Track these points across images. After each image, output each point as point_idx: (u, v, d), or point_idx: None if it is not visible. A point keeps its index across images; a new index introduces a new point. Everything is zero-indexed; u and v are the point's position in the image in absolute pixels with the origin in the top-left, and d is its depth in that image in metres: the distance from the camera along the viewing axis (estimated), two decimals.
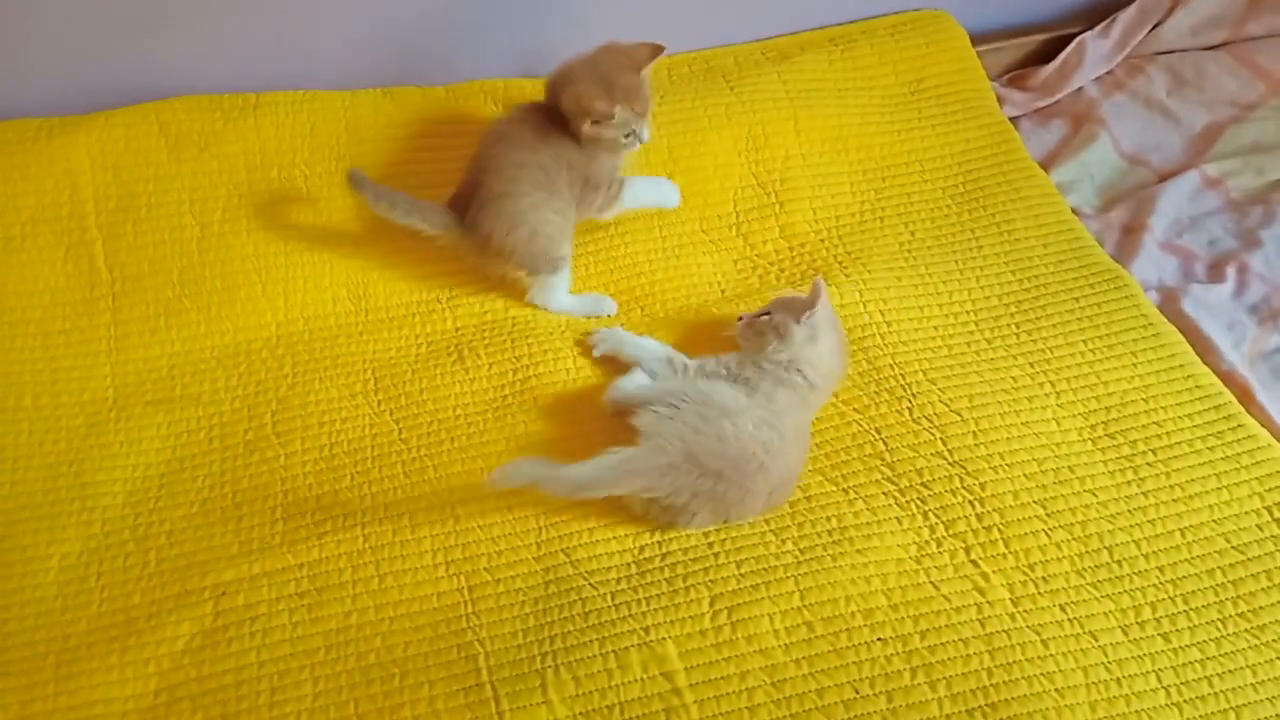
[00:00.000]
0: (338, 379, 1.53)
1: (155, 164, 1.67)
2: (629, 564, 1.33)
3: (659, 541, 1.34)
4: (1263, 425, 1.47)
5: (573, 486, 1.29)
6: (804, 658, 1.24)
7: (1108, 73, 2.01)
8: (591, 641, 1.25)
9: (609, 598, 1.29)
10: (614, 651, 1.24)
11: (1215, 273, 1.72)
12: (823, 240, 1.71)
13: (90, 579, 1.33)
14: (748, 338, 1.47)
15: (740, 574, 1.31)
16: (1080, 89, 2.00)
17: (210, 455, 1.45)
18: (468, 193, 1.56)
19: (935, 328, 1.58)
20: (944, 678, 1.22)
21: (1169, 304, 1.65)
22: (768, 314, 1.46)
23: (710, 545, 1.34)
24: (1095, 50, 1.99)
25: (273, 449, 1.45)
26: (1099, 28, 2.02)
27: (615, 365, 1.52)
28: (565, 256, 1.60)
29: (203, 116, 1.71)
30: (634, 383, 1.46)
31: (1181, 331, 1.58)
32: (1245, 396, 1.52)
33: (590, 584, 1.31)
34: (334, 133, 1.73)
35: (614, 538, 1.35)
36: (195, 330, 1.57)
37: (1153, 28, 2.01)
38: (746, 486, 1.33)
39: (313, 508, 1.39)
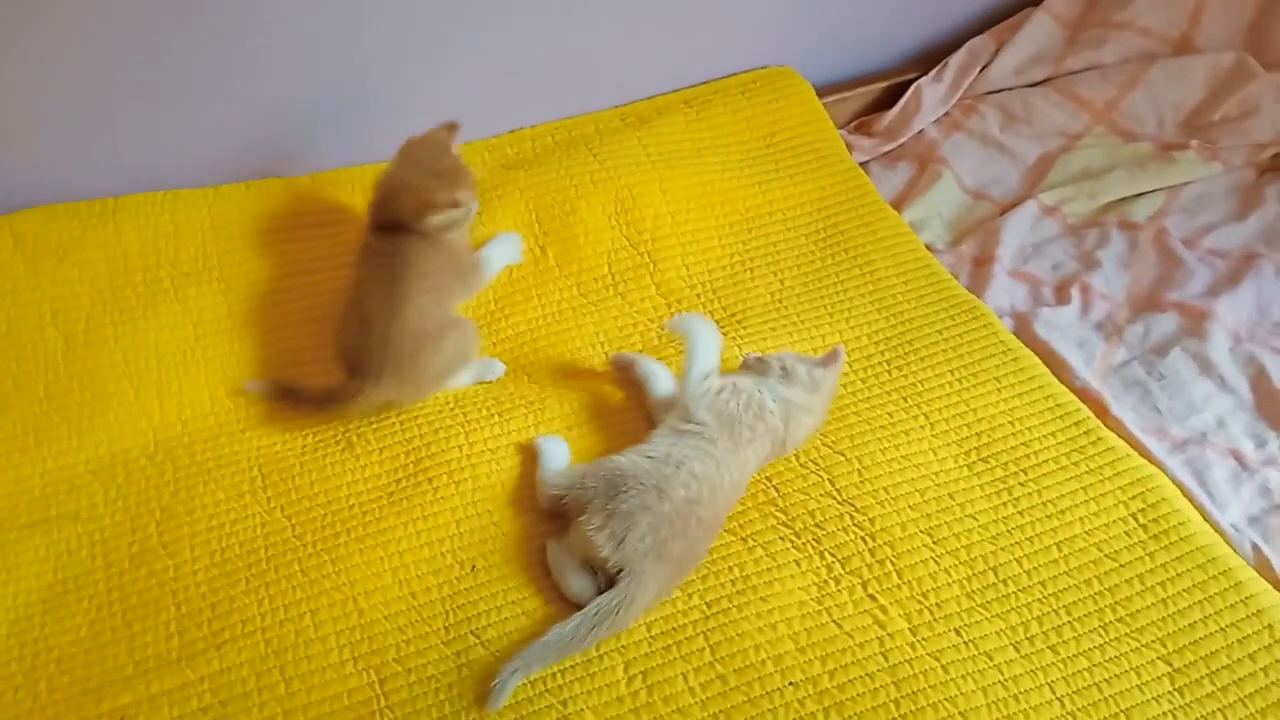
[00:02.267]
0: (223, 480, 1.49)
1: (12, 277, 1.62)
2: (539, 636, 1.33)
3: (567, 611, 1.34)
4: (1120, 436, 1.57)
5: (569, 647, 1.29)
6: (720, 711, 1.26)
7: (945, 114, 2.13)
8: None
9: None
10: None
11: (1061, 295, 1.83)
12: (698, 295, 1.76)
13: None
14: (752, 366, 1.53)
15: (651, 635, 1.33)
16: (921, 131, 2.11)
17: (94, 574, 1.39)
18: (358, 337, 1.53)
19: None
20: (855, 714, 1.26)
21: (1023, 328, 1.75)
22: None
23: None
24: (931, 94, 2.11)
25: (160, 560, 1.41)
26: (933, 73, 2.14)
27: (509, 438, 1.54)
28: (477, 338, 1.62)
29: (59, 225, 1.67)
30: (558, 463, 1.47)
31: (1037, 353, 1.68)
32: (1101, 410, 1.62)
33: (503, 661, 1.30)
34: (198, 230, 1.71)
35: (523, 613, 1.35)
36: (67, 445, 1.51)
37: (981, 69, 2.14)
38: (696, 547, 1.38)
39: (209, 617, 1.35)
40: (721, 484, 1.39)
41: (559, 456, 1.48)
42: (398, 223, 1.56)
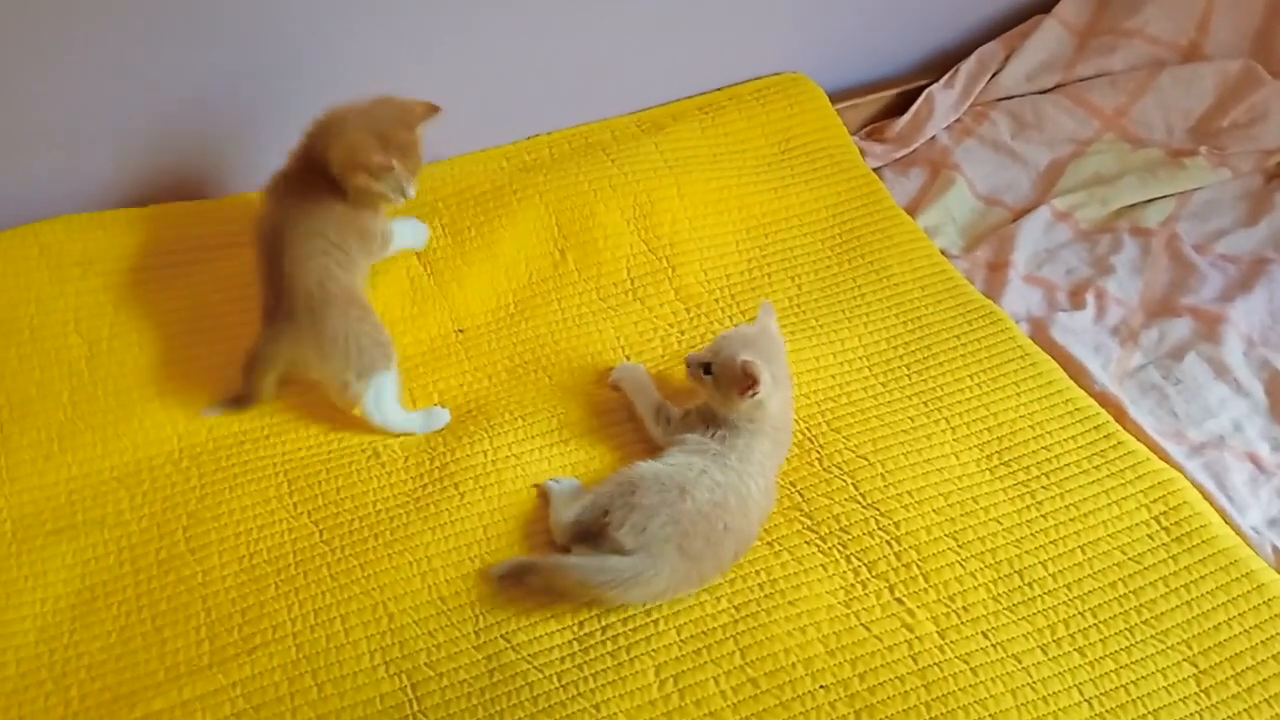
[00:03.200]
0: (249, 486, 1.49)
1: (36, 285, 1.62)
2: (571, 641, 1.34)
3: (598, 615, 1.36)
4: (1139, 440, 1.59)
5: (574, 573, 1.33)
6: (752, 714, 1.27)
7: (956, 121, 2.14)
8: None
9: (555, 678, 1.30)
10: None
11: (1076, 300, 1.84)
12: (716, 300, 1.77)
13: None
14: (699, 379, 1.47)
15: (681, 640, 1.33)
16: (933, 138, 2.13)
17: (123, 580, 1.40)
18: (271, 304, 1.52)
19: (833, 377, 1.65)
20: (886, 717, 1.27)
21: (1039, 333, 1.76)
22: (707, 364, 1.46)
23: (649, 613, 1.36)
24: (943, 101, 2.13)
25: (189, 566, 1.41)
26: (944, 79, 2.15)
27: (533, 442, 1.54)
28: (388, 341, 1.55)
29: (84, 234, 1.67)
30: (568, 495, 1.46)
31: (1054, 358, 1.69)
32: (1119, 414, 1.63)
33: (535, 666, 1.31)
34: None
35: (553, 616, 1.36)
36: (92, 452, 1.51)
37: (992, 76, 2.16)
38: (720, 552, 1.37)
39: (239, 622, 1.35)
40: (749, 492, 1.40)
41: (569, 492, 1.46)
42: (323, 166, 1.50)
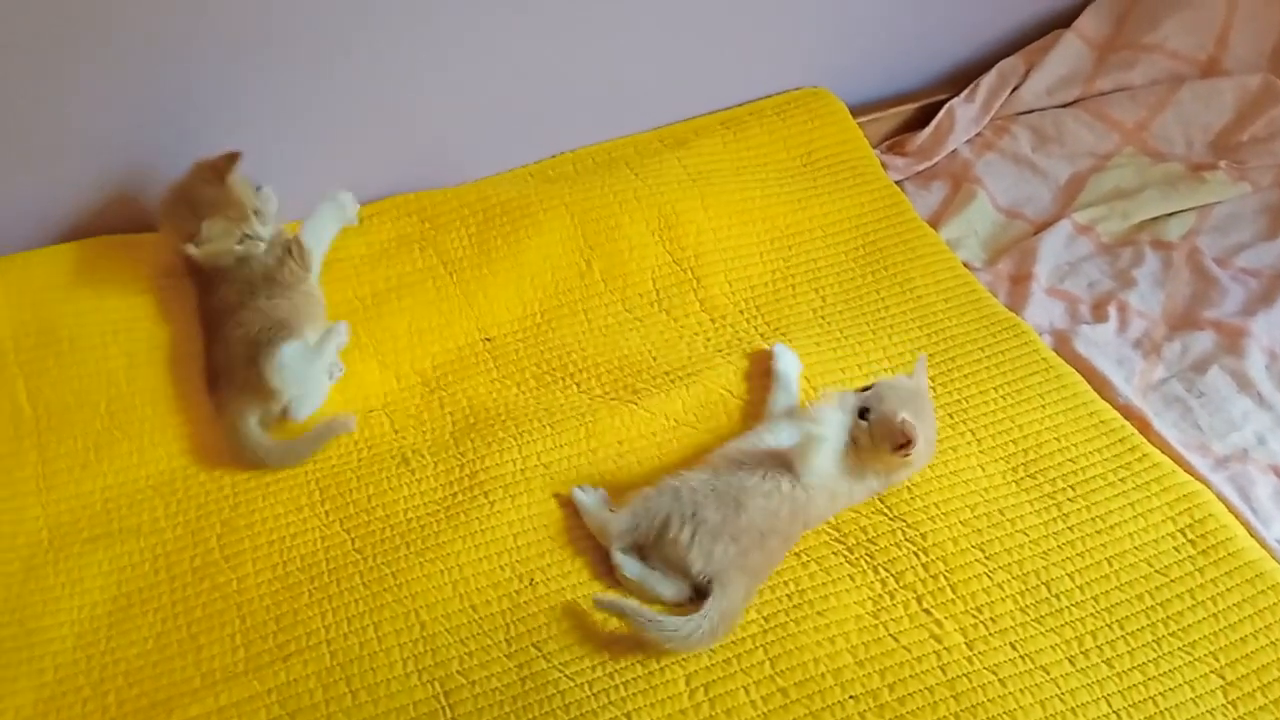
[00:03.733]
0: (281, 495, 1.51)
1: (76, 299, 1.64)
2: (600, 649, 1.35)
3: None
4: (1163, 452, 1.59)
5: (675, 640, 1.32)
6: None
7: (977, 134, 2.16)
8: None
9: (586, 687, 1.31)
10: None
11: (1099, 313, 1.85)
12: (741, 311, 1.79)
13: None
14: (855, 423, 1.46)
15: (711, 649, 1.34)
16: (954, 151, 2.14)
17: (159, 587, 1.41)
18: (212, 367, 1.58)
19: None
20: None
21: (1063, 346, 1.77)
22: (867, 410, 1.45)
23: None
24: (963, 114, 2.14)
25: (223, 573, 1.42)
26: (964, 93, 2.17)
27: (561, 450, 1.56)
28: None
29: (124, 253, 1.69)
30: (600, 503, 1.47)
31: (1078, 371, 1.70)
32: (1143, 427, 1.64)
33: (565, 675, 1.32)
34: None
35: (582, 625, 1.37)
36: (128, 461, 1.53)
37: (1012, 90, 2.18)
38: (774, 562, 1.41)
39: (273, 629, 1.37)
40: (801, 504, 1.41)
41: (599, 502, 1.47)
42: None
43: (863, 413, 1.46)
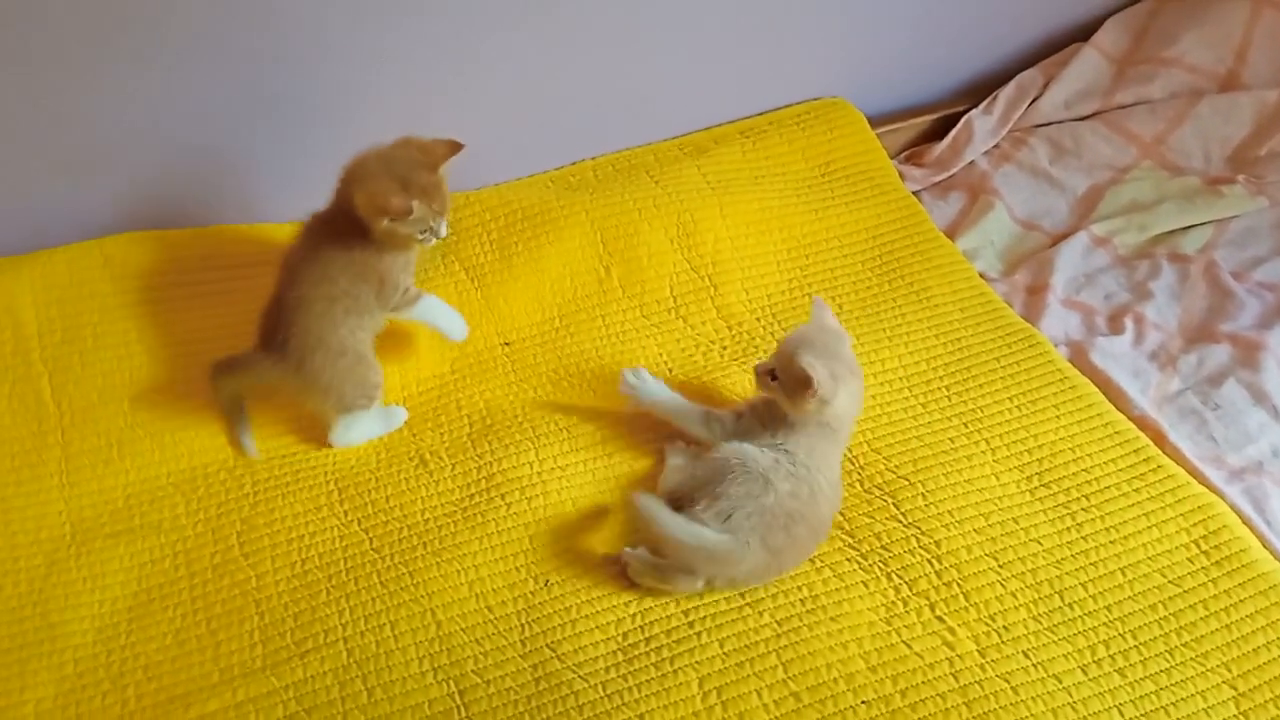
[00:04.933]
0: (300, 494, 1.53)
1: (100, 296, 1.66)
2: (615, 651, 1.36)
3: (641, 626, 1.38)
4: (1178, 464, 1.59)
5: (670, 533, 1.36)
6: None
7: (995, 146, 2.16)
8: None
9: (600, 688, 1.32)
10: None
11: (1115, 325, 1.85)
12: (758, 319, 1.80)
13: None
14: (768, 387, 1.48)
15: (724, 652, 1.35)
16: (972, 162, 2.14)
17: (179, 583, 1.43)
18: (275, 328, 1.54)
19: (873, 397, 1.67)
20: None
21: (1078, 357, 1.77)
22: (772, 370, 1.47)
23: (691, 624, 1.38)
24: (982, 126, 2.15)
25: (243, 571, 1.44)
26: (983, 105, 2.18)
27: (579, 454, 1.57)
28: (379, 385, 1.59)
29: (148, 250, 1.71)
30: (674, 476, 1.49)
31: (1093, 382, 1.70)
32: (1158, 438, 1.64)
33: (580, 675, 1.33)
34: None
35: (597, 627, 1.38)
36: (150, 458, 1.55)
37: (1031, 103, 2.18)
38: (798, 544, 1.42)
39: (291, 627, 1.38)
40: (819, 486, 1.42)
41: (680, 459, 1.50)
42: (350, 211, 1.50)
43: (772, 374, 1.47)
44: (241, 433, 1.58)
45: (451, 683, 1.33)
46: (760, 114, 2.10)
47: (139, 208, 1.74)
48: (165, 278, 1.70)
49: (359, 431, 1.60)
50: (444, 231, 1.55)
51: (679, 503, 1.42)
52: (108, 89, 1.61)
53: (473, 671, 1.34)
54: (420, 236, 1.52)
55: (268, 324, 1.55)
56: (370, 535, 1.48)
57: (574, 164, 2.00)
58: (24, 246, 1.69)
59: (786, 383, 1.45)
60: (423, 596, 1.40)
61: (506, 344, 1.75)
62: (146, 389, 1.61)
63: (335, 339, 1.53)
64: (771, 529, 1.38)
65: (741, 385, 1.67)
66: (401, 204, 1.46)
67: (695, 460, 1.48)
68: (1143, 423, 1.66)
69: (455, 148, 1.51)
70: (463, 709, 1.30)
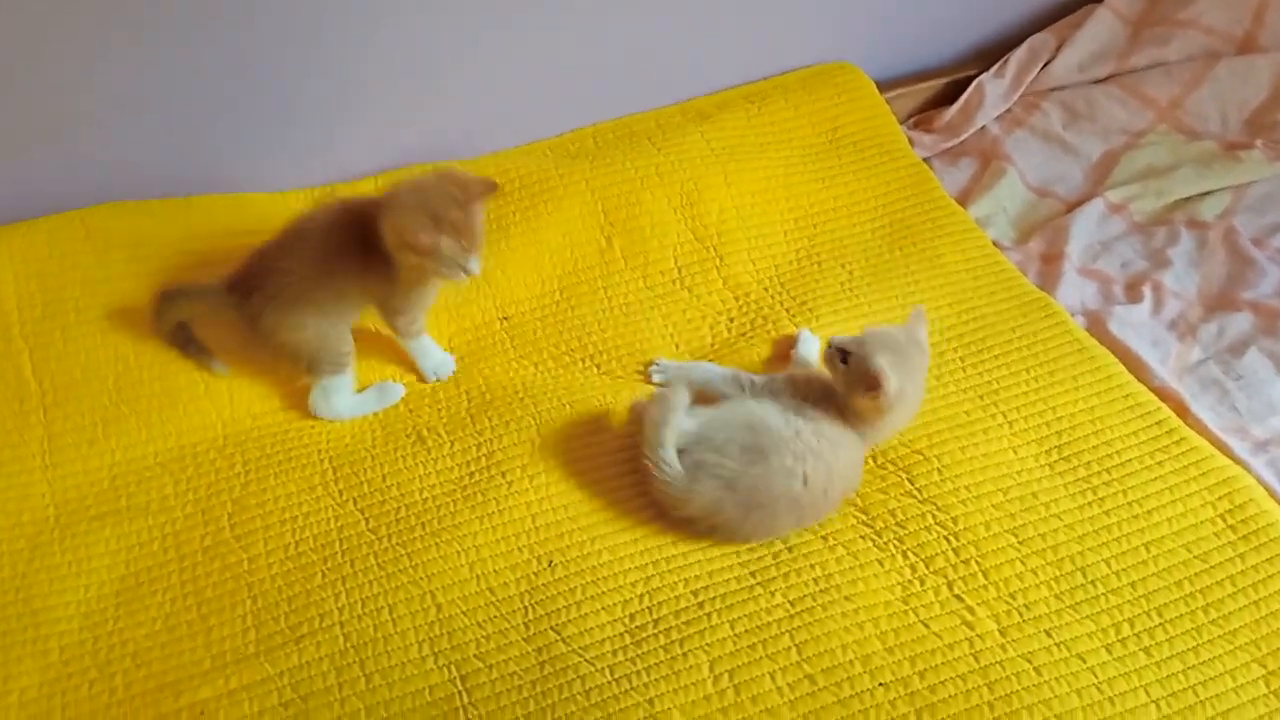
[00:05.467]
0: (294, 473, 1.48)
1: (83, 268, 1.61)
2: (622, 633, 1.31)
3: (649, 607, 1.33)
4: (1201, 435, 1.54)
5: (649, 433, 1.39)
6: (810, 712, 1.24)
7: (1007, 111, 2.11)
8: None
9: (607, 671, 1.27)
10: None
11: (1133, 293, 1.80)
12: (765, 289, 1.74)
13: (54, 712, 1.25)
14: (834, 365, 1.43)
15: (735, 634, 1.30)
16: (983, 128, 2.09)
17: (168, 566, 1.38)
18: (253, 278, 1.50)
19: None
20: (948, 716, 1.24)
21: (1096, 326, 1.72)
22: (846, 352, 1.42)
23: (701, 605, 1.33)
24: (993, 90, 2.09)
25: (234, 553, 1.39)
26: (994, 68, 2.12)
27: (593, 427, 1.52)
28: (348, 354, 1.54)
29: (131, 220, 1.66)
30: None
31: (1112, 352, 1.65)
32: (1180, 410, 1.59)
33: (586, 659, 1.28)
34: (266, 234, 1.62)
35: (603, 608, 1.33)
36: (136, 437, 1.50)
37: (1043, 66, 2.12)
38: (774, 517, 1.38)
39: (285, 611, 1.33)
40: (830, 467, 1.38)
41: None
42: (375, 232, 1.44)
43: (844, 356, 1.42)
44: (201, 355, 1.54)
45: (453, 667, 1.28)
46: (765, 78, 2.04)
47: (121, 178, 1.68)
48: (149, 249, 1.65)
49: (343, 403, 1.54)
50: (476, 269, 1.47)
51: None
52: (88, 57, 1.55)
53: (474, 656, 1.29)
54: (447, 273, 1.45)
55: (246, 271, 1.51)
56: (367, 515, 1.43)
57: (573, 131, 1.95)
58: (2, 218, 1.63)
59: (854, 371, 1.40)
60: (422, 579, 1.35)
61: (505, 318, 1.69)
62: (131, 365, 1.55)
63: (304, 322, 1.49)
64: (736, 489, 1.36)
65: (749, 359, 1.62)
66: (429, 241, 1.40)
67: (717, 406, 1.46)
68: (1164, 394, 1.61)
69: (491, 187, 1.46)
70: (464, 694, 1.26)
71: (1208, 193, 1.96)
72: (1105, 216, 1.93)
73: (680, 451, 1.39)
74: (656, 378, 1.59)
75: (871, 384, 1.37)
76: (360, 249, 1.46)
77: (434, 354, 1.61)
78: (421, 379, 1.60)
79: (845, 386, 1.41)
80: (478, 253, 1.46)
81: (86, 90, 1.59)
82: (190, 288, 1.53)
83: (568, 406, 1.55)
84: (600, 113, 1.95)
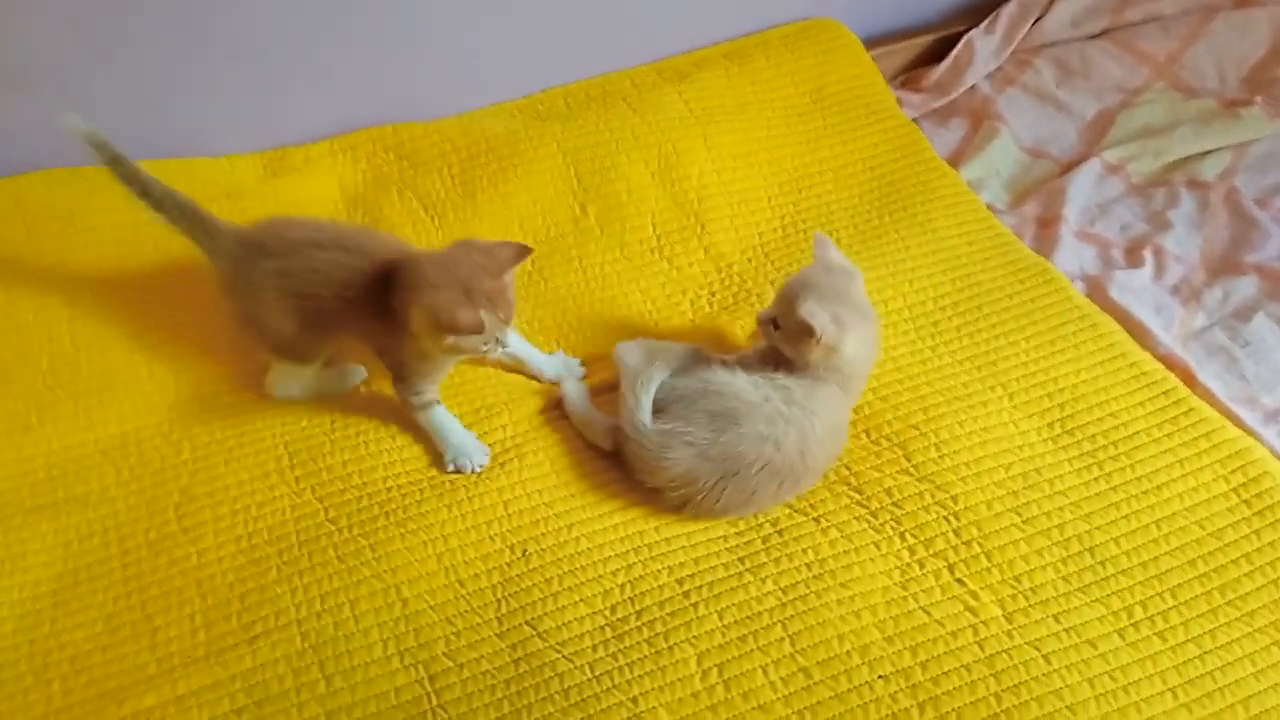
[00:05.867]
0: (246, 460, 1.38)
1: (13, 243, 1.50)
2: (603, 627, 1.23)
3: (631, 598, 1.25)
4: (1210, 405, 1.47)
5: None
6: (806, 707, 1.16)
7: (998, 69, 2.02)
8: None
9: (587, 669, 1.19)
10: None
11: (1133, 257, 1.73)
12: (749, 259, 1.65)
13: None
14: (771, 336, 1.39)
15: (724, 624, 1.22)
16: (974, 86, 2.00)
17: (109, 563, 1.28)
18: (277, 250, 1.35)
19: None
20: (953, 709, 1.16)
21: (1096, 292, 1.65)
22: (775, 319, 1.37)
23: (687, 594, 1.25)
24: (983, 47, 2.00)
25: (181, 547, 1.29)
26: (984, 24, 2.03)
27: (558, 411, 1.43)
28: (319, 358, 1.43)
29: (66, 190, 1.55)
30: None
31: (1114, 319, 1.58)
32: (1188, 378, 1.52)
33: (564, 656, 1.20)
34: (215, 198, 1.55)
35: (582, 600, 1.25)
36: (73, 423, 1.40)
37: (1035, 21, 2.03)
38: (751, 487, 1.30)
39: (238, 609, 1.24)
40: (811, 430, 1.31)
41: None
42: (396, 314, 1.30)
43: (775, 322, 1.37)
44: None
45: (420, 667, 1.19)
46: (745, 35, 1.95)
47: (55, 144, 1.54)
48: (86, 221, 1.54)
49: (300, 385, 1.44)
50: (510, 342, 1.38)
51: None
52: (17, 9, 1.44)
53: (444, 654, 1.20)
54: (484, 349, 1.33)
55: (272, 237, 1.36)
56: (325, 505, 1.34)
57: (543, 91, 1.86)
58: None
59: (789, 330, 1.34)
60: (386, 572, 1.26)
61: None
62: (67, 346, 1.45)
63: (296, 325, 1.36)
64: (710, 458, 1.29)
65: (733, 333, 1.53)
66: (471, 320, 1.26)
67: (681, 377, 1.39)
68: (1169, 362, 1.54)
69: (523, 253, 1.33)
70: (433, 696, 1.17)
71: (1207, 152, 1.89)
72: (1102, 178, 1.85)
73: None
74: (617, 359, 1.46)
75: (807, 332, 1.31)
76: (383, 314, 1.32)
77: (454, 434, 1.40)
78: (440, 466, 1.40)
79: (793, 348, 1.35)
80: (510, 325, 1.34)
81: (17, 48, 1.48)
82: (208, 219, 1.38)
83: (540, 386, 1.45)
84: (572, 72, 1.86)
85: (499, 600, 1.25)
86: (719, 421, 1.30)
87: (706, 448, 1.29)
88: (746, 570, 1.27)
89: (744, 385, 1.33)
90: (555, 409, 1.44)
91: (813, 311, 1.30)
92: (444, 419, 1.40)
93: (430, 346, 1.31)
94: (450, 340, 1.28)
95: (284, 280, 1.34)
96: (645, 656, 1.19)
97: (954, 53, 2.00)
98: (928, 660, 1.20)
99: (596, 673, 1.18)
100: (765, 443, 1.29)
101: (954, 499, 1.34)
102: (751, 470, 1.29)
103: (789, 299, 1.34)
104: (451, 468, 1.38)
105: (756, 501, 1.32)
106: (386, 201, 1.64)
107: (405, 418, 1.41)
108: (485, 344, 1.31)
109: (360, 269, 1.33)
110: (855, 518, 1.33)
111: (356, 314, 1.34)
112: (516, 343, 1.47)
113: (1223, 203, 1.80)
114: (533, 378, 1.49)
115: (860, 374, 1.39)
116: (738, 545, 1.30)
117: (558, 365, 1.50)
